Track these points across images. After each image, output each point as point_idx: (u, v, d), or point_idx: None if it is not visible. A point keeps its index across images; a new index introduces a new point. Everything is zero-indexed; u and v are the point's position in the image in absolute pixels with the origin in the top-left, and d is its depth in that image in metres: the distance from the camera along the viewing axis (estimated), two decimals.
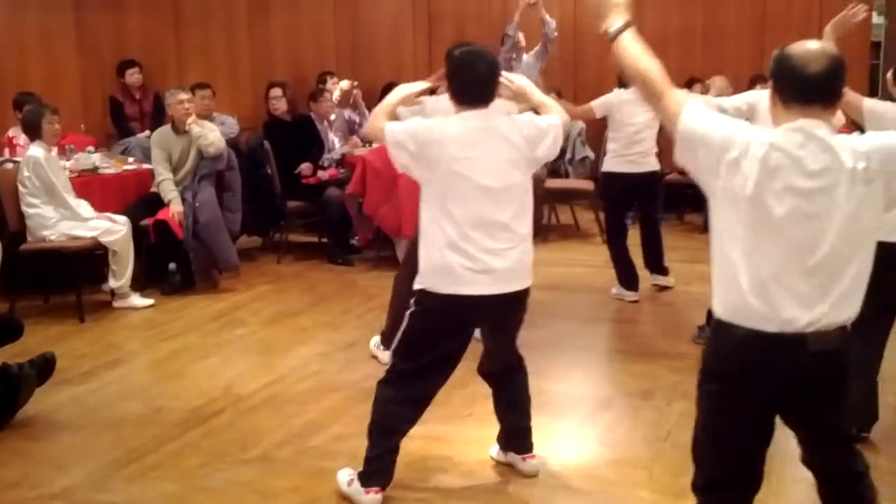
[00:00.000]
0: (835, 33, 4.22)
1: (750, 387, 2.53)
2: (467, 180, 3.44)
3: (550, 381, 4.95)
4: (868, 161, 2.44)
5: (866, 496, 2.70)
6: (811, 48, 2.55)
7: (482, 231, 3.46)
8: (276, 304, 6.64)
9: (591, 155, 8.83)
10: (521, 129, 3.58)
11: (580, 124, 8.89)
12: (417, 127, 3.55)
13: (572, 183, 8.65)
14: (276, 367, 5.28)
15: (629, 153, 6.47)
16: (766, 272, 2.45)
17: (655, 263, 6.66)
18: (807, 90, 2.52)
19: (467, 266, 3.45)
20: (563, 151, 8.73)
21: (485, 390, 4.70)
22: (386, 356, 5.22)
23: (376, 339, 5.39)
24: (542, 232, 8.50)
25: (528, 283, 3.67)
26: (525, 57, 9.27)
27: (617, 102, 6.51)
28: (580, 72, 10.32)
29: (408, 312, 3.63)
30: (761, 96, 4.26)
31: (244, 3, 9.44)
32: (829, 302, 2.45)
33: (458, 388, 4.77)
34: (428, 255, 3.55)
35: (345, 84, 8.31)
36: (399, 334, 3.67)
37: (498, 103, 3.64)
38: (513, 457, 3.97)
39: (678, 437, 2.77)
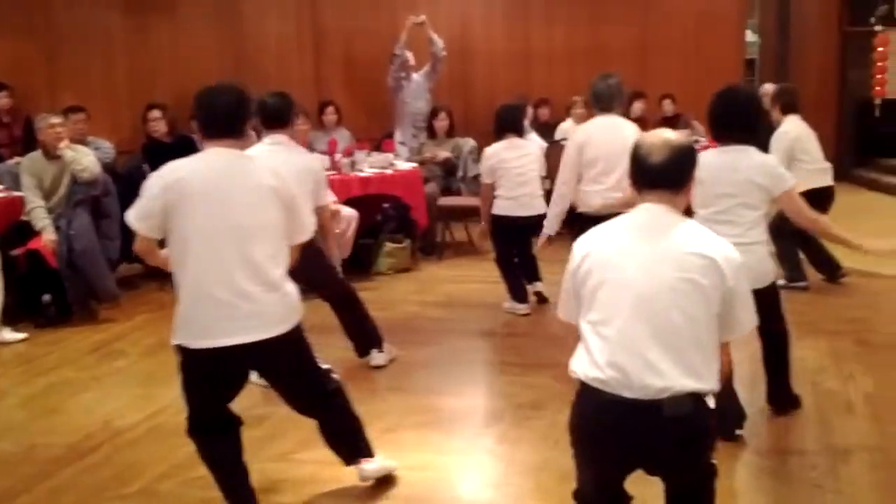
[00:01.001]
0: None
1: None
2: (214, 219, 3.26)
3: (443, 398, 4.97)
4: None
5: None
6: (655, 140, 2.77)
7: (230, 275, 3.28)
8: (158, 333, 6.34)
9: None
10: (277, 167, 3.51)
11: (471, 142, 8.87)
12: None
13: (465, 200, 8.59)
14: (158, 398, 5.03)
15: (516, 195, 6.45)
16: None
17: (532, 275, 6.74)
18: (651, 177, 2.74)
19: (211, 315, 3.28)
20: (455, 169, 8.74)
21: (380, 410, 4.67)
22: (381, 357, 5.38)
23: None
24: (437, 249, 8.47)
25: (285, 328, 3.43)
26: (415, 76, 9.29)
27: (502, 154, 6.47)
28: (470, 91, 10.34)
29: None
30: None
31: (121, 24, 9.14)
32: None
33: None
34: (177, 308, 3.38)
35: None
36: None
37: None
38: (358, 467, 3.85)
39: (566, 446, 2.76)
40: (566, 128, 9.22)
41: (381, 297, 7.03)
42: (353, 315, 5.46)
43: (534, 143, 7.33)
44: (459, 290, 7.24)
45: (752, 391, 4.70)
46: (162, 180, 3.30)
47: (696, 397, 2.56)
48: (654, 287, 2.56)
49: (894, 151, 11.79)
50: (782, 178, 4.14)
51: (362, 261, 7.69)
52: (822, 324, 6.07)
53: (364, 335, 5.46)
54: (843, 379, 5.05)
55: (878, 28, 11.45)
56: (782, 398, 4.52)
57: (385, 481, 3.90)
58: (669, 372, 2.52)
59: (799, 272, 6.95)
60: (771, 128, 6.84)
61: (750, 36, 13.07)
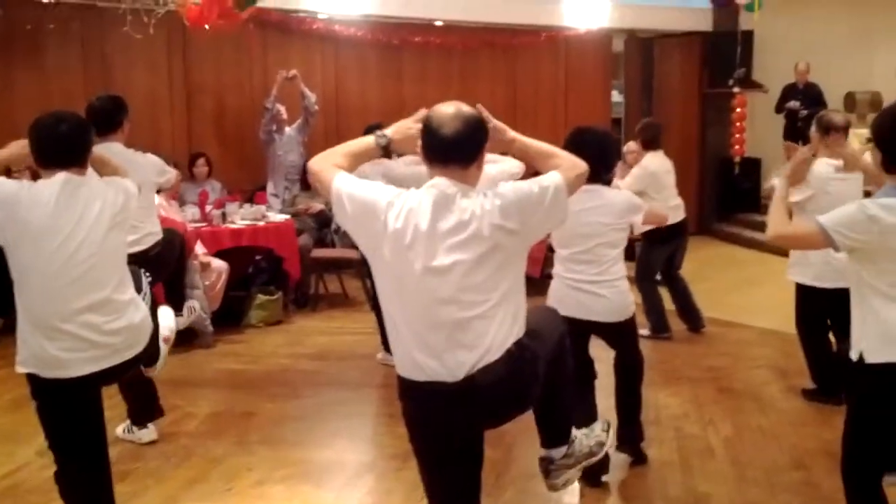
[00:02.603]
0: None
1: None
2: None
3: (313, 450, 4.94)
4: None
5: None
6: (447, 111, 2.74)
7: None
8: (18, 387, 6.08)
9: None
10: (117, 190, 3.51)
11: None
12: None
13: (339, 252, 8.58)
14: (18, 455, 4.83)
15: None
16: None
17: None
18: (442, 150, 2.73)
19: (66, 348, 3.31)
20: (328, 221, 8.72)
21: (249, 463, 4.57)
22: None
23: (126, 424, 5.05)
24: (310, 301, 8.40)
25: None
26: (287, 129, 9.28)
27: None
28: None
29: None
30: None
31: None
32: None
33: (217, 464, 4.63)
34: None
35: None
36: None
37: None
38: None
39: None
40: None
41: (251, 349, 6.93)
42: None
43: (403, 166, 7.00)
44: (332, 342, 7.19)
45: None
46: None
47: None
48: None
49: (753, 207, 12.32)
50: (634, 207, 4.27)
51: (233, 313, 7.57)
52: (684, 371, 6.27)
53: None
54: (704, 424, 5.22)
55: (735, 90, 11.99)
56: (635, 436, 4.58)
57: None
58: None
59: (663, 323, 7.17)
60: None
61: (616, 96, 13.58)
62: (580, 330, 4.24)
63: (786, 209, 3.24)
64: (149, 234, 5.09)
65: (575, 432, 3.27)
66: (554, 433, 3.28)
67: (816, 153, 5.39)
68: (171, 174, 5.50)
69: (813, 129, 5.41)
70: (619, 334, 4.40)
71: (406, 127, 2.95)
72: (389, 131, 2.96)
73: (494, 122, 2.93)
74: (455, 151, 2.72)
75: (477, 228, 2.64)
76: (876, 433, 3.17)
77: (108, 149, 4.56)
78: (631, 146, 8.12)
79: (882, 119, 3.17)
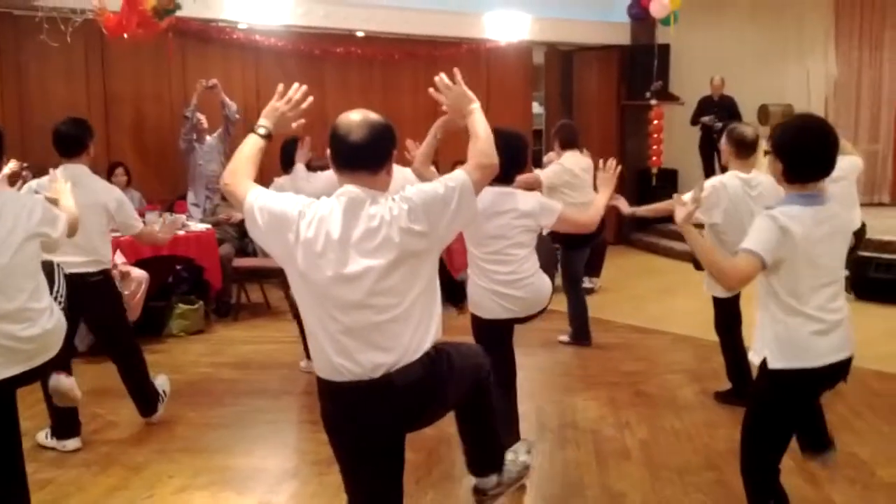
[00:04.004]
0: (442, 130, 4.41)
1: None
2: None
3: (235, 457, 4.92)
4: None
5: None
6: (354, 118, 2.81)
7: None
8: None
9: None
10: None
11: None
12: None
13: (260, 262, 8.55)
14: None
15: None
16: None
17: None
18: (350, 157, 2.78)
19: None
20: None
21: (170, 470, 4.56)
22: None
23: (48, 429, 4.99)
24: (231, 311, 8.36)
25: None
26: (208, 138, 9.23)
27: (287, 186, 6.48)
28: (265, 154, 10.23)
29: None
30: None
31: None
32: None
33: (138, 472, 4.61)
34: None
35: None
36: None
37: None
38: None
39: None
40: None
41: (172, 359, 6.88)
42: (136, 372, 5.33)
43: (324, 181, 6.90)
44: (254, 351, 7.17)
45: (537, 440, 4.94)
46: None
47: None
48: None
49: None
50: (545, 209, 4.30)
51: (154, 323, 7.49)
52: (602, 377, 6.41)
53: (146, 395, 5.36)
54: (621, 427, 5.35)
55: (652, 102, 12.26)
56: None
57: None
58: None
59: (585, 332, 7.28)
60: None
61: (536, 108, 13.79)
62: (502, 329, 4.34)
63: (714, 252, 3.33)
64: (96, 260, 5.04)
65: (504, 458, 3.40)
66: (485, 462, 3.37)
67: (727, 165, 5.59)
68: (130, 218, 5.28)
69: (723, 141, 5.56)
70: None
71: (272, 108, 3.16)
72: (264, 121, 3.14)
73: (464, 88, 3.08)
74: (363, 158, 2.78)
75: (387, 234, 2.70)
76: (772, 434, 3.34)
77: (73, 172, 4.69)
78: (551, 156, 8.24)
79: (783, 132, 3.30)
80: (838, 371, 3.32)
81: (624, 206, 5.71)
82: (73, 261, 4.63)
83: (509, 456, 3.52)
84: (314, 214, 2.74)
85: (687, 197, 3.56)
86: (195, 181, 9.16)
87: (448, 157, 10.24)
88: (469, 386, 3.11)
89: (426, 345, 2.81)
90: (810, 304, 3.21)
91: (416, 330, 2.78)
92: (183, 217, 8.15)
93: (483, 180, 2.94)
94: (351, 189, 2.76)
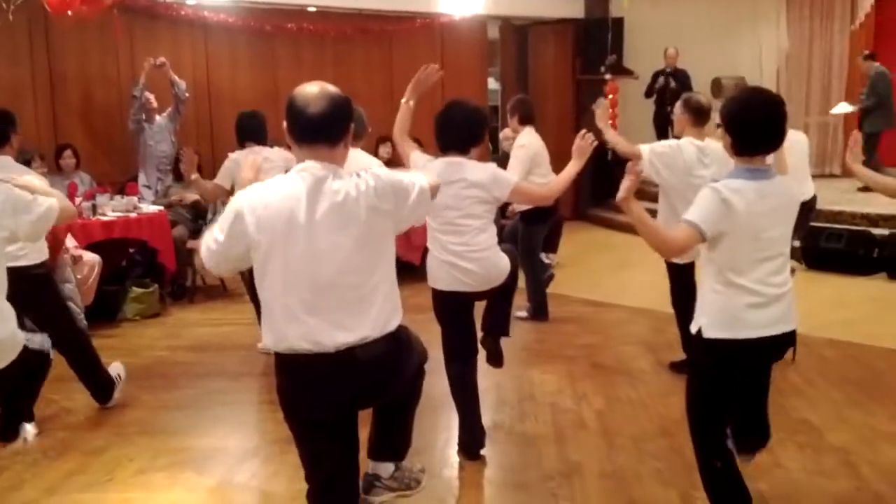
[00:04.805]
0: (414, 95, 4.46)
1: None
2: None
3: (194, 438, 4.91)
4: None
5: None
6: (313, 90, 2.77)
7: None
8: None
9: None
10: None
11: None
12: None
13: None
14: None
15: None
16: None
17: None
18: (309, 130, 2.75)
19: None
20: (204, 212, 8.61)
21: (129, 453, 4.54)
22: None
23: None
24: (187, 293, 8.29)
25: None
26: (157, 118, 9.10)
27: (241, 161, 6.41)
28: (217, 133, 10.24)
29: None
30: None
31: None
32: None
33: (96, 456, 4.58)
34: None
35: None
36: None
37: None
38: None
39: None
40: None
41: (127, 343, 6.82)
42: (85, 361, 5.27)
43: (279, 156, 6.55)
44: (211, 334, 7.13)
45: (496, 413, 4.98)
46: None
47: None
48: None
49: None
50: (498, 181, 4.25)
51: (108, 308, 7.41)
52: (559, 350, 6.46)
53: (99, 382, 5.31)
54: (578, 398, 5.41)
55: (607, 76, 12.30)
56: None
57: None
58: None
59: (543, 309, 7.32)
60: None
61: (492, 84, 13.77)
62: (458, 302, 4.34)
63: (652, 224, 3.38)
64: (31, 254, 4.93)
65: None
66: (389, 448, 3.45)
67: (680, 135, 5.63)
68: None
69: (678, 109, 5.61)
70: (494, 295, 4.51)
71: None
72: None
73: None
74: (322, 131, 2.76)
75: (353, 210, 2.70)
76: (710, 403, 3.39)
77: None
78: (507, 133, 8.23)
79: (732, 105, 3.33)
80: (779, 345, 3.36)
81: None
82: (10, 252, 4.50)
83: (406, 462, 3.58)
84: (273, 195, 2.73)
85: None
86: (146, 162, 9.03)
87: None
88: (414, 370, 3.14)
89: (392, 324, 2.84)
90: (749, 277, 3.25)
91: (380, 310, 2.79)
92: (134, 199, 8.04)
93: (434, 194, 3.12)
94: (311, 165, 2.75)
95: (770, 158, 3.42)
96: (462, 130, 4.24)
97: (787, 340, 3.36)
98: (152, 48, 9.38)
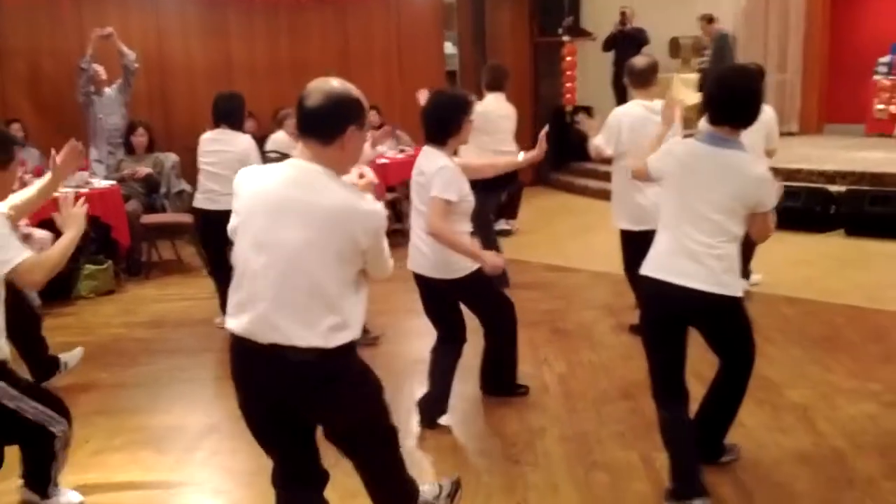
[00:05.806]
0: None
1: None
2: None
3: (152, 416, 4.85)
4: None
5: None
6: (317, 84, 2.66)
7: None
8: None
9: (188, 188, 8.53)
10: None
11: (173, 157, 8.64)
12: None
13: (170, 217, 8.35)
14: None
15: (204, 190, 6.26)
16: None
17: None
18: (304, 122, 2.65)
19: None
20: (157, 186, 8.46)
21: (86, 434, 4.46)
22: None
23: None
24: (142, 269, 8.17)
25: None
26: (107, 90, 8.92)
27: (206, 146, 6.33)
28: (170, 105, 10.08)
29: None
30: None
31: None
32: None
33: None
34: None
35: None
36: None
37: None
38: None
39: None
40: (278, 139, 8.85)
41: (82, 321, 6.72)
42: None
43: (243, 141, 6.40)
44: (168, 309, 7.03)
45: (458, 382, 4.93)
46: None
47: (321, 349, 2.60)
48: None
49: (586, 156, 12.52)
50: (443, 181, 4.16)
51: (61, 285, 7.26)
52: (521, 316, 6.28)
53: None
54: (539, 363, 5.41)
55: (565, 38, 12.22)
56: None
57: None
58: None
59: (502, 275, 7.26)
60: None
61: (449, 48, 13.63)
62: (428, 287, 4.39)
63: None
64: None
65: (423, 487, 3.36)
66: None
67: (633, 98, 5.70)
68: None
69: (626, 77, 5.81)
70: (461, 294, 4.47)
71: None
72: None
73: None
74: (313, 125, 2.63)
75: (315, 216, 2.60)
76: (649, 350, 3.57)
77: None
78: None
79: (710, 76, 3.58)
80: (685, 300, 3.38)
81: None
82: None
83: (426, 487, 3.51)
84: (258, 182, 2.69)
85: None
86: (96, 136, 8.83)
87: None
88: (365, 407, 2.84)
89: (336, 339, 2.62)
90: (679, 228, 3.45)
91: (325, 319, 2.62)
92: (86, 174, 7.88)
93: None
94: (299, 162, 2.65)
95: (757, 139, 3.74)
96: (435, 121, 4.31)
97: (697, 299, 3.37)
98: (101, 19, 9.18)
